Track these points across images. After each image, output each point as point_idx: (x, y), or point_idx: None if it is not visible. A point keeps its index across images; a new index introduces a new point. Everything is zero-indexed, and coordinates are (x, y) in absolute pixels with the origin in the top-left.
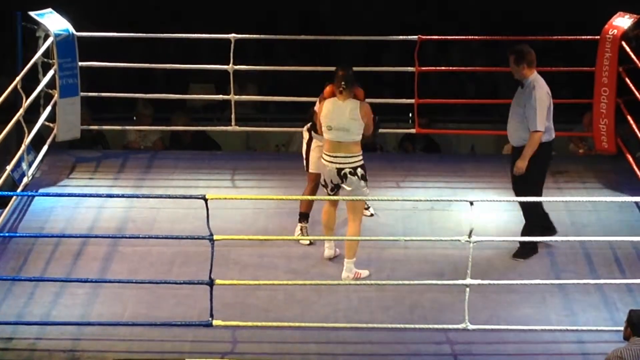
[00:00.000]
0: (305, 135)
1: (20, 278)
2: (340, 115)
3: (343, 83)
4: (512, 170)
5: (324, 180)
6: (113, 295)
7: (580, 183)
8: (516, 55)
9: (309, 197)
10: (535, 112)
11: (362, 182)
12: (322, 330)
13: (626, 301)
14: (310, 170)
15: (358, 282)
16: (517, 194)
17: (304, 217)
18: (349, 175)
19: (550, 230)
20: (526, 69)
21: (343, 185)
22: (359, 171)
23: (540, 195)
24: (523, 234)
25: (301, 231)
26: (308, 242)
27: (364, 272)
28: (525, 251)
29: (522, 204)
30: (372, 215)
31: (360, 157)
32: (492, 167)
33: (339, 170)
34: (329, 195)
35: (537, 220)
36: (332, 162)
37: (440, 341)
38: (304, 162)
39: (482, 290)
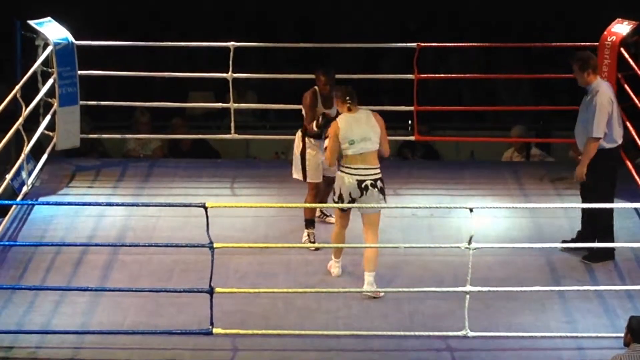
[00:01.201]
0: (298, 144)
1: (20, 287)
2: (360, 126)
3: (348, 98)
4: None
5: (340, 195)
6: (113, 303)
7: (578, 189)
8: (581, 62)
9: (308, 205)
10: (594, 118)
11: (382, 196)
12: (322, 338)
13: (626, 308)
14: (308, 180)
15: (358, 290)
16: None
17: (310, 223)
18: (370, 187)
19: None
20: (591, 75)
21: (360, 199)
22: (379, 184)
23: (611, 202)
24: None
25: (308, 237)
26: (315, 248)
27: (381, 293)
28: (599, 255)
29: (589, 211)
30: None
31: (380, 170)
32: (491, 174)
33: (360, 182)
34: (342, 212)
35: (606, 228)
36: (353, 174)
37: (440, 348)
38: (299, 171)
39: (482, 297)
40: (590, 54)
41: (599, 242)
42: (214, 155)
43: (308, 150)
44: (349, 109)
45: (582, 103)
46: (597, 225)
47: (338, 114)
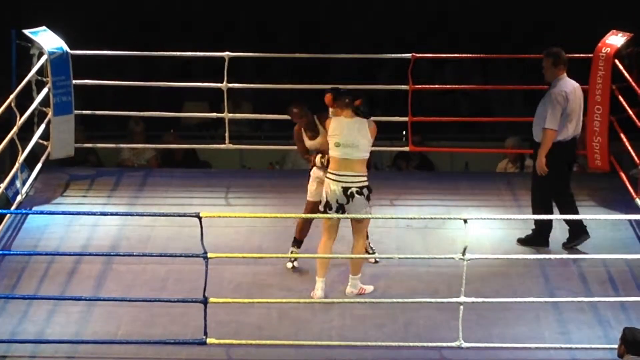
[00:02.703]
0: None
1: (14, 296)
2: (350, 132)
3: (360, 107)
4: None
5: (328, 203)
6: (107, 313)
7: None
8: (555, 57)
9: (303, 216)
10: (546, 109)
11: (367, 202)
12: (316, 348)
13: (620, 319)
14: (307, 198)
15: (353, 300)
16: (532, 192)
17: (296, 242)
18: (355, 195)
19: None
20: (561, 70)
21: (347, 206)
22: (365, 191)
23: (547, 193)
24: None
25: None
26: (292, 265)
27: (369, 288)
28: (534, 239)
29: (533, 198)
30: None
31: (366, 177)
32: (486, 185)
33: (345, 189)
34: (331, 219)
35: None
36: (338, 180)
37: (434, 359)
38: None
39: (476, 308)
40: (561, 49)
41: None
42: (204, 167)
43: (314, 169)
44: (351, 115)
45: (543, 96)
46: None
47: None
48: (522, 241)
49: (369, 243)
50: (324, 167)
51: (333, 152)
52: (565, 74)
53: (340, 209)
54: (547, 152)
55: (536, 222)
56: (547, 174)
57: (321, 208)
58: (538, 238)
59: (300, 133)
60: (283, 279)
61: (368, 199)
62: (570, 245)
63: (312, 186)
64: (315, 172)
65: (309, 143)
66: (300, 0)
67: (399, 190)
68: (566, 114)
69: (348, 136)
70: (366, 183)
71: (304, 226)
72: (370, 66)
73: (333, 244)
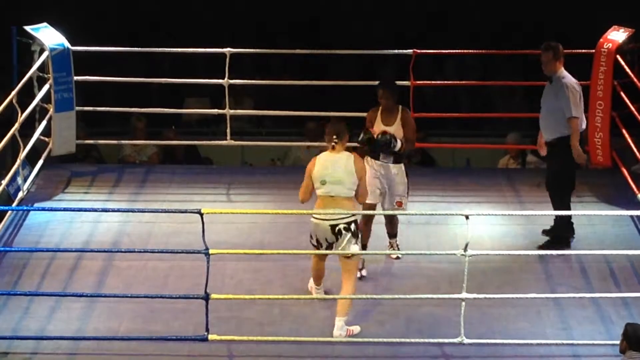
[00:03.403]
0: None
1: (15, 292)
2: (336, 168)
3: (335, 137)
4: (549, 163)
5: (317, 241)
6: (108, 309)
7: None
8: (554, 51)
9: (307, 212)
10: (569, 99)
11: (354, 239)
12: (317, 345)
13: (622, 315)
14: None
15: (354, 296)
16: (549, 185)
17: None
18: (343, 232)
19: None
20: (561, 62)
21: (337, 244)
22: (353, 227)
23: (569, 191)
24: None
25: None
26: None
27: (356, 328)
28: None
29: (551, 194)
30: (362, 277)
31: (352, 214)
32: (487, 181)
33: (333, 227)
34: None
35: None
36: (325, 219)
37: (436, 355)
38: None
39: (477, 304)
40: (558, 44)
41: (556, 229)
42: (205, 163)
43: (367, 167)
44: (333, 148)
45: (546, 93)
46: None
47: (390, 136)
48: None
49: (396, 241)
50: (359, 144)
51: (319, 191)
52: (563, 67)
53: (329, 247)
54: (576, 141)
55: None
56: (566, 167)
57: (313, 242)
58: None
59: (374, 115)
60: (284, 275)
61: (355, 235)
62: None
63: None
64: (368, 168)
65: (380, 127)
66: None
67: None
68: (582, 104)
69: (333, 173)
70: (353, 219)
71: (365, 230)
72: (372, 63)
73: (324, 264)
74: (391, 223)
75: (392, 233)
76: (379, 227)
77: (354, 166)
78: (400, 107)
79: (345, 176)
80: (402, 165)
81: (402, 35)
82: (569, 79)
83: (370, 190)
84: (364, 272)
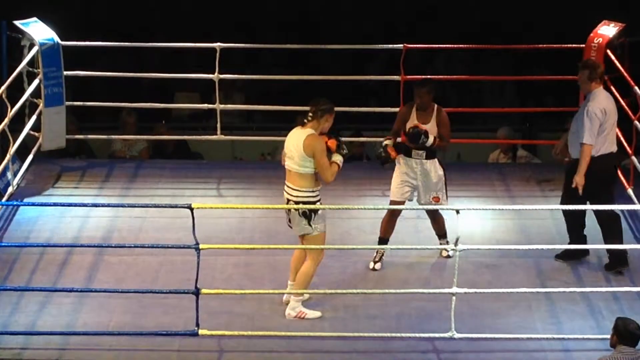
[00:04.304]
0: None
1: (5, 287)
2: (291, 142)
3: (309, 114)
4: (567, 181)
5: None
6: (99, 304)
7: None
8: (590, 70)
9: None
10: (584, 125)
11: (304, 220)
12: (308, 340)
13: (612, 309)
14: (390, 198)
15: (345, 291)
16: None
17: (381, 242)
18: (292, 210)
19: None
20: (597, 83)
21: (289, 217)
22: (301, 206)
23: (578, 213)
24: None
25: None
26: (372, 267)
27: (312, 313)
28: (616, 262)
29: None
30: (374, 269)
31: (306, 194)
32: (478, 176)
33: (287, 200)
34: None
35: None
36: (284, 190)
37: (427, 350)
38: None
39: (468, 298)
40: (598, 63)
41: (610, 248)
42: (196, 158)
43: (397, 166)
44: (303, 124)
45: (580, 110)
46: (605, 232)
47: (419, 130)
48: (560, 256)
49: (446, 241)
50: (407, 137)
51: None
52: (601, 87)
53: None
54: (586, 169)
55: (571, 238)
56: (595, 194)
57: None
58: (573, 252)
59: (409, 111)
60: (275, 270)
61: (305, 216)
62: (612, 269)
63: (394, 181)
64: (398, 169)
65: (414, 123)
66: None
67: (391, 181)
68: (602, 129)
69: (289, 147)
70: (304, 199)
71: (387, 224)
72: (362, 57)
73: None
74: (435, 221)
75: (440, 234)
76: (369, 223)
77: (302, 143)
78: (435, 105)
79: (295, 152)
80: (435, 160)
81: (392, 28)
82: (596, 103)
83: (398, 187)
84: (377, 266)
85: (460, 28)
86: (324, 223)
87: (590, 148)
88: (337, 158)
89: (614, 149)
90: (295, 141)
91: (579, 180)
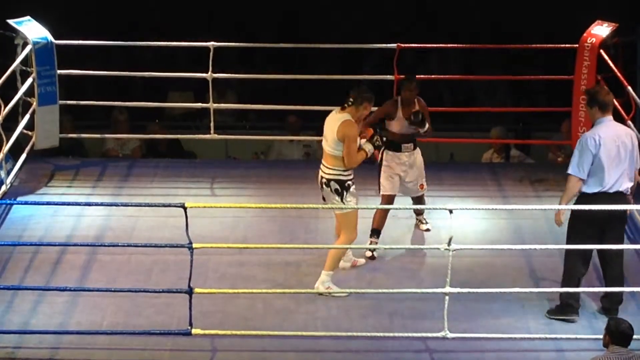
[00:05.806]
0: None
1: None
2: (328, 125)
3: (350, 99)
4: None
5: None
6: (92, 303)
7: (559, 191)
8: (588, 97)
9: (288, 206)
10: (574, 154)
11: (336, 196)
12: (301, 339)
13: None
14: (381, 193)
15: (337, 291)
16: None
17: (374, 233)
18: (324, 186)
19: (572, 307)
20: (596, 112)
21: (323, 194)
22: (333, 185)
23: (574, 251)
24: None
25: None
26: (370, 254)
27: (338, 291)
28: (559, 309)
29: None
30: (373, 257)
31: (338, 172)
32: (471, 175)
33: (321, 178)
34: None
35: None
36: (320, 168)
37: (420, 349)
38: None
39: (461, 298)
40: (600, 89)
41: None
42: (189, 157)
43: (383, 162)
44: (342, 108)
45: None
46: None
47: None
48: (551, 312)
49: (424, 217)
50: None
51: None
52: (606, 117)
53: (324, 199)
54: (568, 201)
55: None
56: (573, 228)
57: None
58: (565, 307)
59: (394, 107)
60: (268, 270)
61: (338, 193)
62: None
63: (383, 177)
64: (385, 162)
65: (400, 114)
66: None
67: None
68: (597, 162)
69: (326, 128)
70: (334, 177)
71: (381, 216)
72: (355, 57)
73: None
74: (420, 202)
75: (419, 212)
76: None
77: (336, 128)
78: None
79: (329, 135)
80: (418, 149)
81: (386, 28)
82: (590, 133)
83: (389, 181)
84: (375, 254)
85: (454, 28)
86: (355, 199)
87: (575, 180)
88: (367, 147)
89: (618, 188)
90: (332, 125)
91: (556, 214)
